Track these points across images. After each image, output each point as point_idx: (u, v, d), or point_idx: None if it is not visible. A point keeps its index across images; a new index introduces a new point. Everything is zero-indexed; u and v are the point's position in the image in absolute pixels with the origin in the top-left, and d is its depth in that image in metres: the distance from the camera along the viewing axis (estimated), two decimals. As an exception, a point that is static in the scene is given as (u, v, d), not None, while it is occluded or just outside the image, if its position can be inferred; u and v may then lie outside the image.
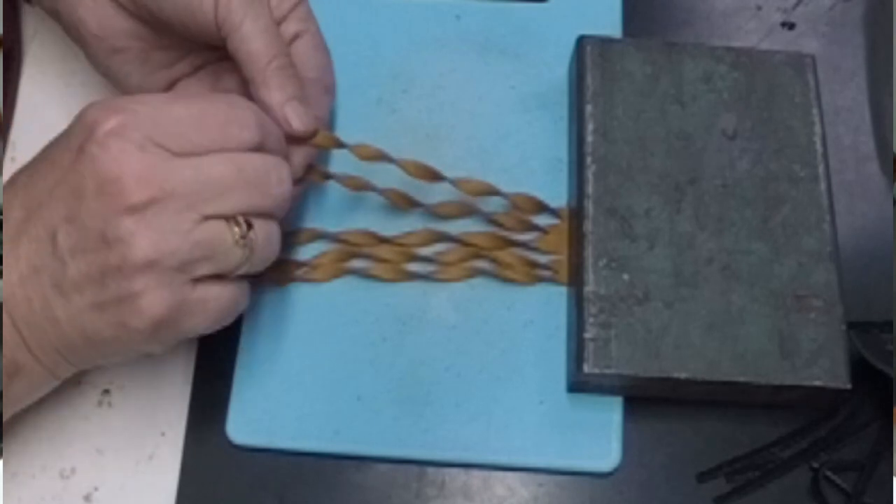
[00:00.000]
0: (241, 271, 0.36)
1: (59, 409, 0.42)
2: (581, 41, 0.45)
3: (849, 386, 0.39)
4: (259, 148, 0.36)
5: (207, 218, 0.34)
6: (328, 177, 0.42)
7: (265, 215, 0.36)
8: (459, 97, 0.47)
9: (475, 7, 0.49)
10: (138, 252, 0.33)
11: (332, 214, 0.45)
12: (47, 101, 0.49)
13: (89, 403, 0.42)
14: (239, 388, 0.42)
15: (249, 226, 0.35)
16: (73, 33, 0.42)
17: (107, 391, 0.43)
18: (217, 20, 0.39)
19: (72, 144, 0.34)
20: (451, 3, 0.49)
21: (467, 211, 0.44)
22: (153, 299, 0.33)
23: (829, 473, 0.41)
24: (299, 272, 0.43)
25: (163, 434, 0.42)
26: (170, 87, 0.43)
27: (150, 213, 0.33)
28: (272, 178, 0.36)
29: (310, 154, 0.41)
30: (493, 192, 0.43)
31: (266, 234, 0.36)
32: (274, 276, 0.43)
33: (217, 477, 0.41)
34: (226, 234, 0.34)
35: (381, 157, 0.42)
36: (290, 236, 0.44)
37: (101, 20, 0.40)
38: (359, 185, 0.42)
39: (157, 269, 0.33)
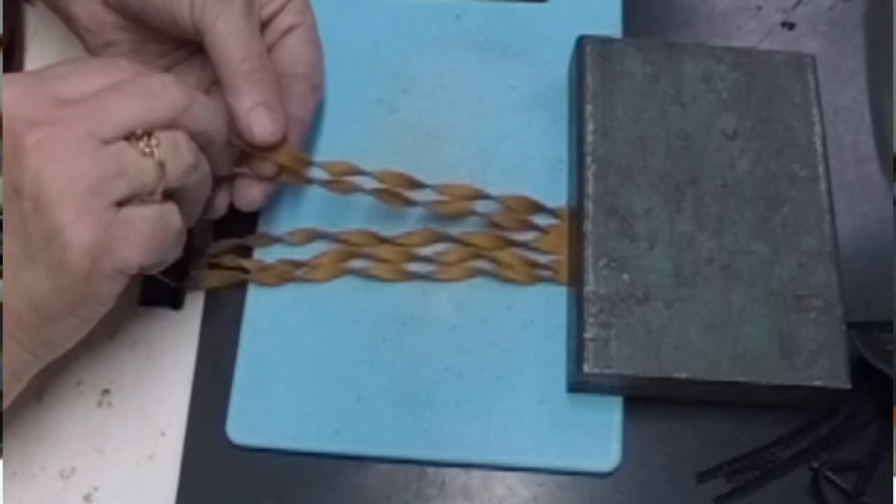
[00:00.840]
0: (162, 186, 0.35)
1: (59, 409, 0.42)
2: (581, 41, 0.45)
3: (849, 386, 0.39)
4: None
5: (108, 142, 0.34)
6: (310, 181, 0.42)
7: (166, 126, 0.35)
8: (459, 97, 0.47)
9: (475, 7, 0.49)
10: (49, 185, 0.32)
11: (331, 214, 0.45)
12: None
13: (89, 403, 0.42)
14: (239, 388, 0.42)
15: (149, 135, 0.34)
16: (69, 26, 0.42)
17: (107, 391, 0.43)
18: (192, 21, 0.39)
19: None
20: (451, 3, 0.49)
21: (464, 209, 0.44)
22: (78, 228, 0.33)
23: (829, 473, 0.41)
24: (299, 272, 0.43)
25: (163, 434, 0.42)
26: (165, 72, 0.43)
27: (48, 148, 0.33)
28: (154, 86, 0.35)
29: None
30: (481, 196, 0.43)
31: (172, 143, 0.35)
32: (273, 275, 0.43)
33: (217, 477, 0.41)
34: (128, 150, 0.34)
35: (356, 171, 0.42)
36: (290, 236, 0.44)
37: (92, 15, 0.41)
38: (345, 189, 0.42)
39: (72, 198, 0.33)
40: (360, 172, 0.42)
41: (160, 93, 0.35)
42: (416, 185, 0.42)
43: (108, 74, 0.35)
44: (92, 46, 0.42)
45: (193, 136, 0.36)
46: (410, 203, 0.43)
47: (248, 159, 0.41)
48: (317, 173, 0.42)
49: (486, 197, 0.43)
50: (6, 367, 0.36)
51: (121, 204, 0.34)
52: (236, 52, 0.39)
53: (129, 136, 0.34)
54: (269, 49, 0.43)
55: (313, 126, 0.45)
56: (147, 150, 0.34)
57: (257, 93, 0.39)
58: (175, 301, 0.44)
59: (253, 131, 0.39)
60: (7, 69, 0.48)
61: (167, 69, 0.43)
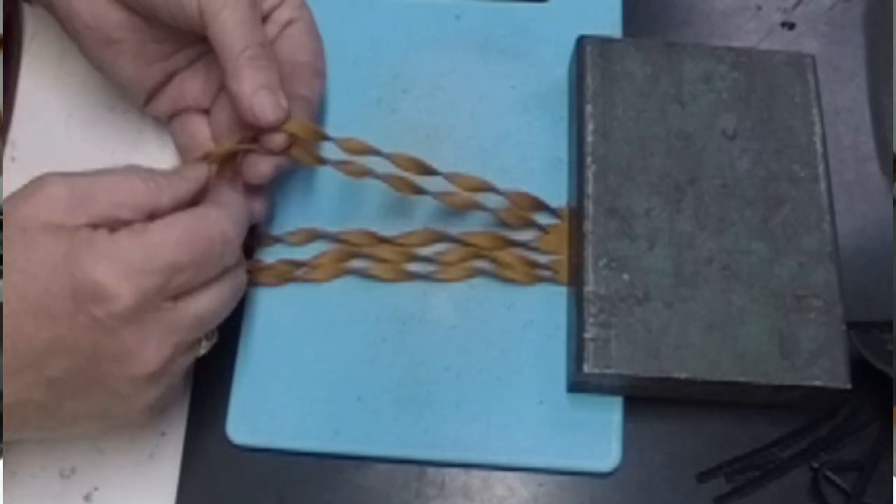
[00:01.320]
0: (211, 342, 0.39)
1: (59, 409, 0.42)
2: (581, 41, 0.45)
3: (849, 386, 0.39)
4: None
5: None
6: (322, 161, 0.42)
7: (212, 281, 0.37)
8: (459, 97, 0.47)
9: (475, 7, 0.49)
10: (146, 399, 0.37)
11: (331, 214, 0.45)
12: (47, 101, 0.49)
13: (89, 403, 0.42)
14: (239, 388, 0.42)
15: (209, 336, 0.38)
16: (67, 25, 0.42)
17: (107, 391, 0.43)
18: (199, 9, 0.39)
19: (78, 306, 0.33)
20: (451, 3, 0.49)
21: (470, 202, 0.43)
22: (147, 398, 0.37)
23: (829, 473, 0.41)
24: (299, 272, 0.43)
25: (163, 434, 0.42)
26: (165, 80, 0.43)
27: (163, 378, 0.36)
28: (235, 293, 0.39)
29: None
30: (488, 188, 0.43)
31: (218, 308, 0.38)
32: (273, 276, 0.43)
33: (217, 477, 0.41)
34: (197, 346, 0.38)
35: (371, 150, 0.42)
36: (290, 236, 0.44)
37: (95, 10, 0.40)
38: (357, 172, 0.42)
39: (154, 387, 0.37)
40: (376, 152, 0.42)
41: (234, 299, 0.38)
42: (429, 171, 0.42)
43: (212, 267, 0.36)
44: (91, 45, 0.42)
45: None
46: (419, 191, 0.42)
47: (260, 133, 0.41)
48: (330, 153, 0.42)
49: (493, 190, 0.43)
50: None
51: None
52: (240, 40, 0.39)
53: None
54: (271, 42, 0.43)
55: (314, 124, 0.45)
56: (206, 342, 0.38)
57: (260, 77, 0.39)
58: None
59: (255, 113, 0.39)
60: (6, 67, 0.48)
61: (167, 75, 0.43)
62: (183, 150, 0.45)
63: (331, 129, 0.46)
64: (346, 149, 0.42)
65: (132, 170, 0.36)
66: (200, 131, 0.44)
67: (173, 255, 0.34)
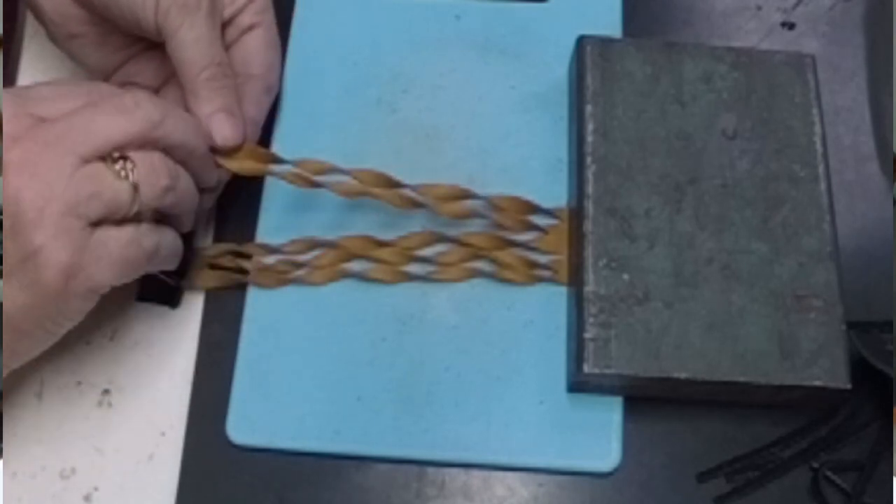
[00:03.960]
0: (137, 208, 0.36)
1: (59, 409, 0.42)
2: (581, 41, 0.45)
3: (849, 386, 0.39)
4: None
5: (85, 161, 0.35)
6: (280, 160, 0.42)
7: (142, 143, 0.36)
8: (459, 97, 0.47)
9: (475, 7, 0.49)
10: (25, 204, 0.33)
11: (330, 220, 0.44)
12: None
13: (89, 403, 0.42)
14: (239, 388, 0.42)
15: (125, 157, 0.36)
16: (35, 16, 0.43)
17: (107, 391, 0.43)
18: (156, 25, 0.40)
19: None
20: (451, 3, 0.49)
21: (464, 211, 0.43)
22: (54, 248, 0.34)
23: (829, 473, 0.41)
24: (298, 273, 0.43)
25: (163, 434, 0.42)
26: (123, 62, 0.45)
27: (28, 167, 0.34)
28: (128, 102, 0.36)
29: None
30: (468, 195, 0.43)
31: (148, 165, 0.36)
32: (272, 277, 0.43)
33: (217, 477, 0.41)
34: (104, 172, 0.35)
35: (331, 169, 0.42)
36: (288, 246, 0.44)
37: (57, 7, 0.42)
38: (319, 169, 0.42)
39: (49, 218, 0.34)
40: (335, 170, 0.42)
41: (134, 108, 0.36)
42: (396, 184, 0.42)
43: (87, 96, 0.36)
44: (56, 37, 0.43)
45: (172, 150, 0.38)
46: (415, 203, 0.43)
47: (214, 151, 0.42)
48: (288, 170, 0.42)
49: (472, 196, 0.43)
50: None
51: (95, 225, 0.35)
52: (198, 59, 0.40)
53: (106, 157, 0.35)
54: (228, 47, 0.44)
55: (310, 126, 0.45)
56: (123, 172, 0.36)
57: (218, 99, 0.41)
58: (172, 299, 0.44)
59: (214, 136, 0.41)
60: (5, 67, 0.48)
61: (128, 59, 0.45)
62: None
63: (331, 129, 0.46)
64: (306, 170, 0.42)
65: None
66: None
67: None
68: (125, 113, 0.36)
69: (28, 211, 0.33)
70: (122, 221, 0.36)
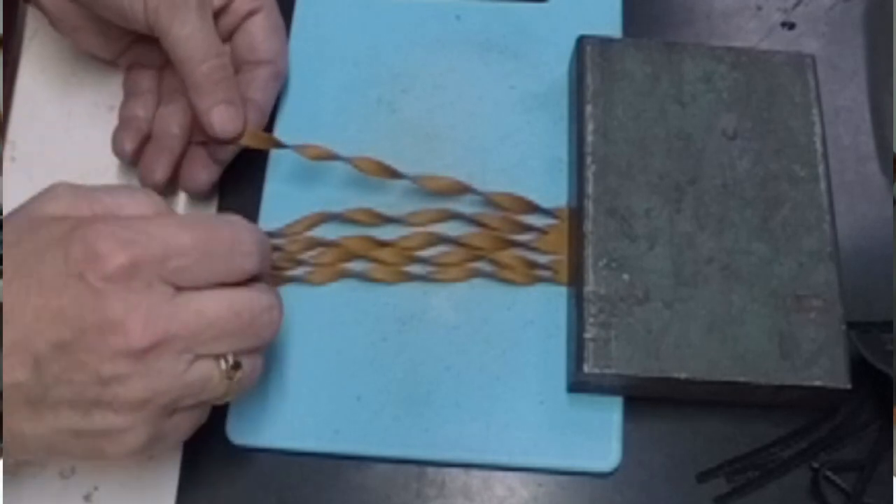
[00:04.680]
0: (217, 403, 0.36)
1: (59, 409, 0.42)
2: (581, 41, 0.45)
3: (849, 386, 0.39)
4: (257, 273, 0.35)
5: (199, 357, 0.33)
6: (281, 145, 0.43)
7: (253, 352, 0.35)
8: (459, 97, 0.47)
9: (475, 7, 0.49)
10: (133, 393, 0.32)
11: (329, 222, 0.44)
12: (47, 101, 0.49)
13: (89, 403, 0.42)
14: (239, 388, 0.42)
15: (237, 364, 0.34)
16: (39, 10, 0.44)
17: (107, 391, 0.43)
18: (148, 24, 0.40)
19: (70, 268, 0.31)
20: (451, 3, 0.49)
21: (455, 186, 0.44)
22: (137, 434, 0.33)
23: (829, 473, 0.41)
24: (298, 272, 0.43)
25: (163, 434, 0.42)
26: (128, 47, 0.45)
27: (150, 357, 0.32)
28: (265, 320, 0.35)
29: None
30: (465, 189, 0.43)
31: (251, 370, 0.35)
32: (272, 277, 0.43)
33: (217, 477, 0.41)
34: (214, 372, 0.34)
35: (332, 156, 0.43)
36: (289, 244, 0.44)
37: (56, 4, 0.43)
38: (320, 155, 0.43)
39: (146, 408, 0.33)
40: (335, 157, 0.43)
41: (267, 329, 0.35)
42: (394, 174, 0.43)
43: (231, 266, 0.34)
44: (61, 31, 0.44)
45: None
46: (396, 175, 0.43)
47: (214, 142, 0.43)
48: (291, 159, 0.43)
49: (469, 191, 0.43)
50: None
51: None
52: (194, 55, 0.40)
53: (219, 357, 0.34)
54: (230, 35, 0.44)
55: (310, 125, 0.45)
56: (227, 377, 0.34)
57: (218, 92, 0.41)
58: None
59: (215, 128, 0.41)
60: (4, 66, 0.48)
61: (133, 43, 0.45)
62: (126, 93, 0.46)
63: (331, 129, 0.46)
64: (306, 155, 0.43)
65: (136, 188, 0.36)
66: (146, 81, 0.45)
67: (174, 233, 0.33)
68: (259, 331, 0.35)
69: (132, 400, 0.32)
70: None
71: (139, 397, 0.32)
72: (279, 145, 0.43)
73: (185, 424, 0.35)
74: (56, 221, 0.33)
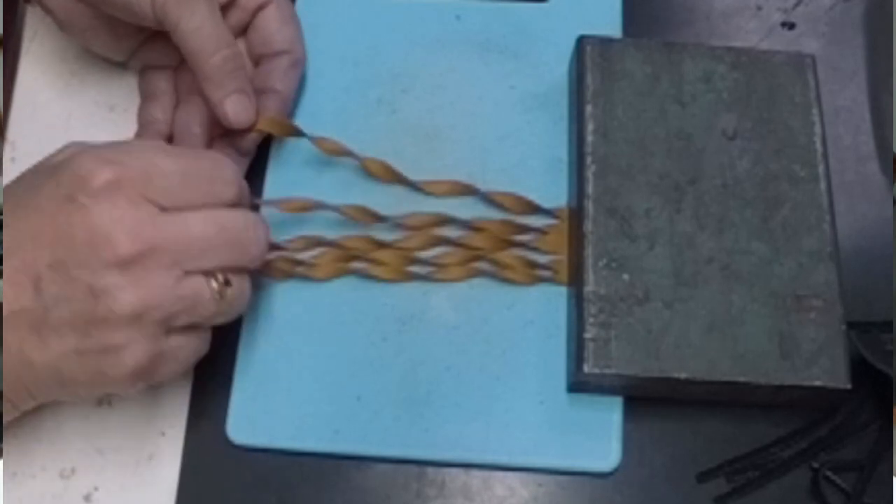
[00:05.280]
0: (213, 323, 0.37)
1: (59, 409, 0.42)
2: (581, 41, 0.45)
3: (849, 386, 0.39)
4: (237, 203, 0.37)
5: (189, 273, 0.35)
6: (300, 133, 0.43)
7: (242, 270, 0.37)
8: (459, 97, 0.47)
9: (475, 7, 0.49)
10: (125, 306, 0.33)
11: (330, 221, 0.44)
12: (47, 101, 0.49)
13: (89, 403, 0.42)
14: (239, 388, 0.42)
15: (227, 281, 0.36)
16: (47, 13, 0.44)
17: (107, 391, 0.43)
18: (156, 19, 0.40)
19: (60, 192, 0.34)
20: (451, 3, 0.49)
21: (457, 187, 0.44)
22: (134, 351, 0.34)
23: (829, 473, 0.41)
24: (299, 269, 0.43)
25: (163, 434, 0.42)
26: (139, 46, 0.45)
27: (138, 267, 0.34)
28: (251, 236, 0.37)
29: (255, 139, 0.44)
30: (470, 191, 0.43)
31: (241, 289, 0.37)
32: (273, 271, 0.43)
33: (217, 477, 0.41)
34: (205, 289, 0.35)
35: (345, 152, 0.43)
36: (289, 244, 0.44)
37: (63, 6, 0.43)
38: (334, 150, 0.44)
39: (140, 322, 0.34)
40: (351, 155, 0.44)
41: (253, 245, 0.37)
42: (401, 180, 0.43)
43: (212, 190, 0.36)
44: (69, 32, 0.44)
45: None
46: (401, 180, 0.44)
47: (230, 133, 0.43)
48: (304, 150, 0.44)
49: (472, 192, 0.43)
50: (10, 401, 0.36)
51: (174, 330, 0.36)
52: (205, 46, 0.41)
53: (209, 274, 0.36)
54: (243, 30, 0.45)
55: (310, 126, 0.45)
56: (219, 294, 0.36)
57: (230, 83, 0.41)
58: None
59: (229, 118, 0.42)
60: (4, 67, 0.48)
61: (142, 44, 0.45)
62: (143, 96, 0.46)
63: (331, 130, 0.46)
64: (322, 148, 0.44)
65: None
66: (162, 83, 0.46)
67: (158, 157, 0.35)
68: (245, 247, 0.36)
69: (125, 312, 0.33)
70: (195, 327, 0.37)
71: (132, 310, 0.33)
72: (298, 133, 0.43)
73: (183, 348, 0.36)
74: (51, 158, 0.35)
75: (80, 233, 0.33)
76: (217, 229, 0.35)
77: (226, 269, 0.36)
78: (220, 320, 0.37)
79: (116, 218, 0.33)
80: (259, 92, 0.43)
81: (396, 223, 0.44)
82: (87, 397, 0.38)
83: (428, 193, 0.44)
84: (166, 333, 0.35)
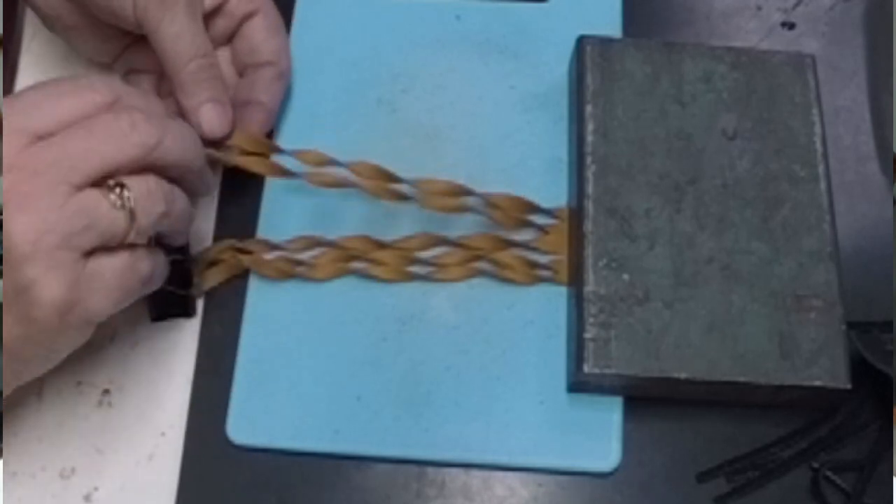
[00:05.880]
0: (133, 236, 0.35)
1: (59, 409, 0.42)
2: (581, 41, 0.45)
3: (849, 386, 0.39)
4: (114, 106, 0.35)
5: (79, 188, 0.33)
6: (277, 149, 0.42)
7: (137, 170, 0.35)
8: (459, 97, 0.47)
9: (475, 7, 0.49)
10: (18, 237, 0.32)
11: (330, 219, 0.44)
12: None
13: (89, 403, 0.42)
14: (239, 388, 0.42)
15: (121, 185, 0.34)
16: (32, 9, 0.44)
17: (107, 391, 0.43)
18: (137, 21, 0.40)
19: None
20: (451, 3, 0.49)
21: (453, 205, 0.43)
22: (47, 282, 0.32)
23: (829, 473, 0.41)
24: (299, 269, 0.43)
25: (163, 434, 0.42)
26: (122, 50, 0.45)
27: (20, 197, 0.32)
28: (123, 125, 0.34)
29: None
30: (465, 192, 0.43)
31: (144, 190, 0.35)
32: (274, 269, 0.43)
33: (217, 477, 0.41)
34: (99, 201, 0.34)
35: (329, 161, 0.42)
36: (289, 244, 0.44)
37: (50, 4, 0.42)
38: (318, 160, 0.42)
39: (41, 251, 0.32)
40: (334, 163, 0.42)
41: (130, 132, 0.34)
42: (393, 179, 0.43)
43: (81, 98, 0.35)
44: (53, 28, 0.44)
45: (168, 170, 0.36)
46: (401, 197, 0.43)
47: (208, 145, 0.42)
48: (289, 163, 0.42)
49: (468, 193, 0.43)
50: None
51: (89, 254, 0.34)
52: (182, 53, 0.40)
53: (101, 183, 0.34)
54: (229, 39, 0.44)
55: (310, 126, 0.45)
56: (118, 201, 0.34)
57: (204, 92, 0.41)
58: (187, 310, 0.44)
59: (203, 128, 0.41)
60: (4, 67, 0.48)
61: (127, 47, 0.45)
62: None
63: (331, 130, 0.46)
64: (305, 160, 0.42)
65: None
66: (144, 87, 0.45)
67: (27, 91, 0.35)
68: (120, 137, 0.34)
69: (20, 244, 0.32)
70: (115, 248, 0.35)
71: (25, 239, 0.32)
72: (275, 150, 0.43)
73: (106, 270, 0.34)
74: None
75: None
76: (85, 132, 0.34)
77: (118, 173, 0.34)
78: (140, 231, 0.35)
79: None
80: (243, 103, 0.43)
81: (412, 186, 0.43)
82: (42, 357, 0.36)
83: (422, 196, 0.43)
84: (82, 260, 0.33)
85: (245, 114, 0.43)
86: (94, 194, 0.34)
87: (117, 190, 0.34)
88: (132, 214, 0.34)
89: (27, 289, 0.32)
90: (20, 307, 0.33)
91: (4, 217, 0.32)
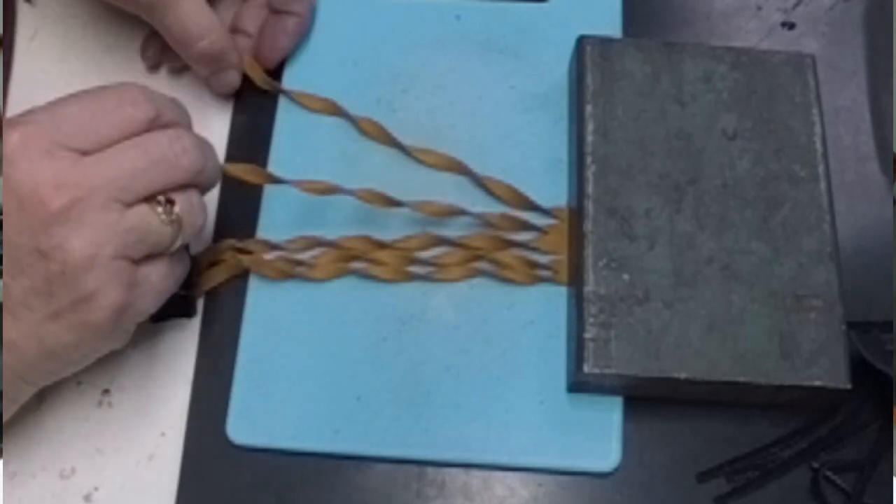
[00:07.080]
0: (176, 246, 0.37)
1: (59, 409, 0.42)
2: (581, 41, 0.45)
3: (849, 386, 0.39)
4: (157, 121, 0.36)
5: (130, 205, 0.35)
6: (277, 180, 0.42)
7: (183, 187, 0.37)
8: (459, 97, 0.47)
9: (475, 7, 0.49)
10: (76, 253, 0.34)
11: (330, 219, 0.44)
12: (47, 101, 0.48)
13: (89, 403, 0.42)
14: (239, 388, 0.42)
15: (170, 202, 0.36)
16: None
17: (107, 391, 0.43)
18: (147, 4, 0.42)
19: None
20: (451, 3, 0.49)
21: (450, 209, 0.43)
22: (107, 290, 0.35)
23: (829, 473, 0.41)
24: (299, 269, 0.43)
25: (163, 434, 0.42)
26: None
27: (75, 214, 0.34)
28: (176, 149, 0.36)
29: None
30: (460, 212, 0.43)
31: (188, 205, 0.37)
32: (273, 269, 0.43)
33: (217, 477, 0.41)
34: (151, 216, 0.36)
35: (335, 190, 0.42)
36: (289, 244, 0.44)
37: None
38: (324, 108, 0.44)
39: (98, 263, 0.34)
40: (341, 191, 0.42)
41: (181, 156, 0.36)
42: (394, 203, 0.43)
43: (124, 116, 0.35)
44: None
45: (204, 188, 0.39)
46: (394, 203, 0.43)
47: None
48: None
49: (465, 213, 0.43)
50: (6, 395, 0.36)
51: (138, 260, 0.36)
52: (184, 39, 0.43)
53: (151, 198, 0.36)
54: None
55: (310, 126, 0.45)
56: (166, 216, 0.36)
57: (213, 65, 0.45)
58: (188, 311, 0.44)
59: (214, 91, 0.46)
60: (3, 68, 0.48)
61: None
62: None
63: (331, 130, 0.46)
64: (308, 107, 0.44)
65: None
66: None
67: (60, 105, 0.35)
68: (173, 161, 0.36)
69: (78, 259, 0.34)
70: (159, 255, 0.37)
71: (84, 254, 0.34)
72: (274, 180, 0.42)
73: (155, 274, 0.37)
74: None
75: (9, 200, 0.33)
76: (139, 153, 0.35)
77: (166, 190, 0.36)
78: (182, 241, 0.37)
79: (36, 174, 0.33)
80: (276, 13, 0.46)
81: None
82: (81, 359, 0.38)
83: (421, 163, 0.44)
84: (133, 266, 0.35)
85: (279, 22, 0.46)
86: (145, 210, 0.36)
87: (167, 206, 0.36)
88: (179, 227, 0.37)
89: (88, 298, 0.34)
90: (78, 315, 0.35)
91: (62, 236, 0.33)
